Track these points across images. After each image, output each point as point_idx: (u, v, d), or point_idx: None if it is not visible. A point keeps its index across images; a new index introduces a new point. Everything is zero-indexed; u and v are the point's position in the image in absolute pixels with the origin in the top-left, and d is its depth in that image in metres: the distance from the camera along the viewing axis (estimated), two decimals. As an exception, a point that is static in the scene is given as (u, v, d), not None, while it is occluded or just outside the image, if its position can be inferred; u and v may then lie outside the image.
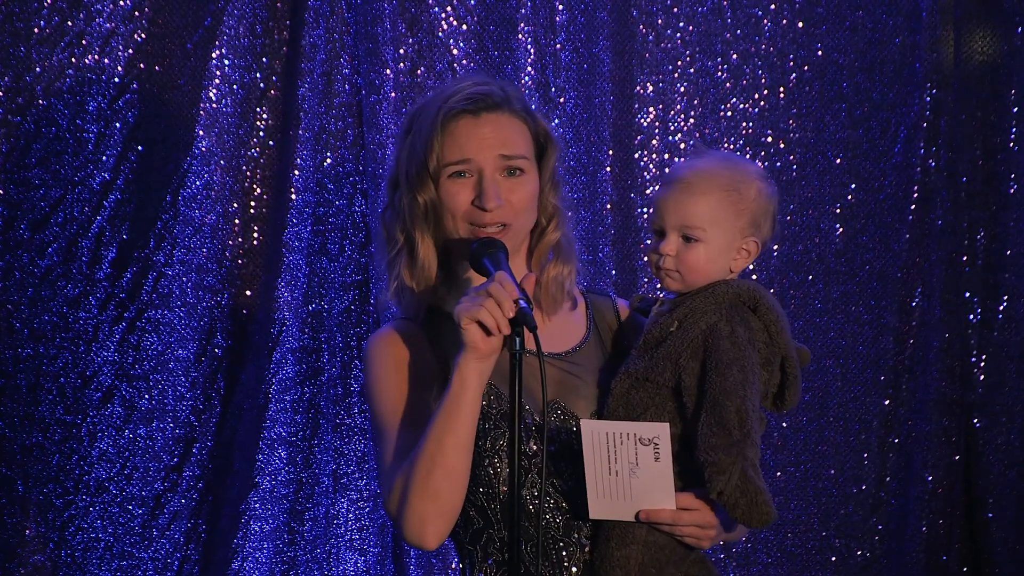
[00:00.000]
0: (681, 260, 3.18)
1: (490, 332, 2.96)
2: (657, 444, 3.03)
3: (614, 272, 4.81)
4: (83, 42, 4.48)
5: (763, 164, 4.92)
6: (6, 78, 4.43)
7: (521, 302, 2.95)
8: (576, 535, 3.17)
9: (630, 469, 3.05)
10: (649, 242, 3.27)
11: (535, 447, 3.16)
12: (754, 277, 4.93)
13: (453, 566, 4.65)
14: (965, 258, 5.03)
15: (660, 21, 4.85)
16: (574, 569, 3.16)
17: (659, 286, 3.28)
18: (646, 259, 3.46)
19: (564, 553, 3.16)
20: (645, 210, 4.82)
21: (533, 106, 4.73)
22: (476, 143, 3.17)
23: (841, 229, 4.98)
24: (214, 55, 4.58)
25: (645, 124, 4.86)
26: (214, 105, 4.58)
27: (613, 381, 3.17)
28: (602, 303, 3.40)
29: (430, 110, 3.20)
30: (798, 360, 3.20)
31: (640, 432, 3.04)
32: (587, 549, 3.17)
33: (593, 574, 3.15)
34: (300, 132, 4.60)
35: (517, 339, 2.94)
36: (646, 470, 3.04)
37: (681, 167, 3.26)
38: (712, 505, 3.10)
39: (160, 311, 4.53)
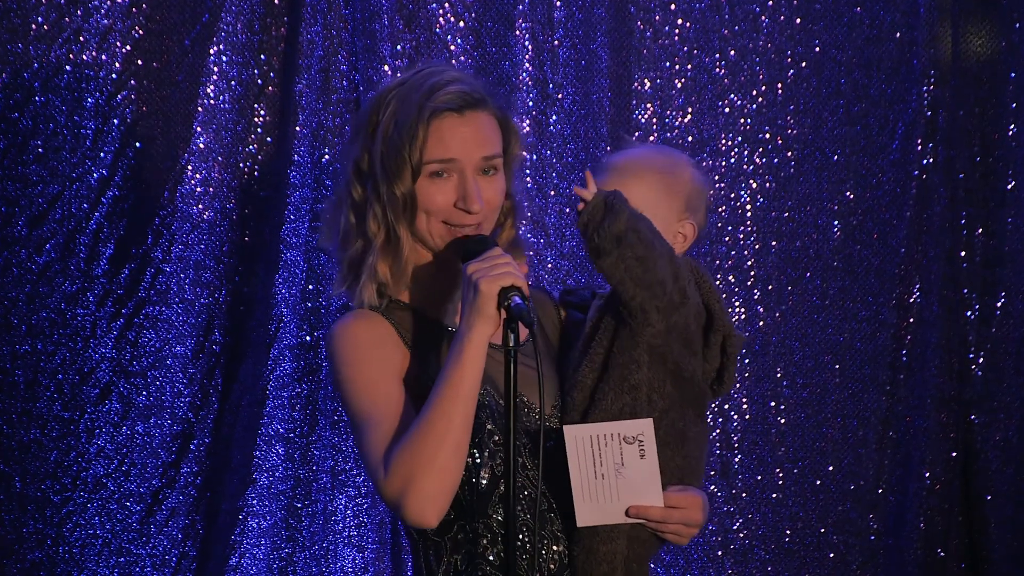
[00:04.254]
0: None
1: (506, 301, 2.95)
2: (642, 441, 3.02)
3: (612, 268, 4.81)
4: (81, 38, 4.48)
5: (760, 161, 4.93)
6: (4, 74, 4.44)
7: (516, 298, 2.95)
8: (550, 527, 3.15)
9: (616, 470, 3.04)
10: None
11: (499, 439, 3.14)
12: (752, 274, 4.94)
13: (451, 562, 4.65)
14: (963, 254, 5.03)
15: (658, 17, 4.86)
16: (552, 567, 3.14)
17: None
18: None
19: (540, 546, 3.14)
20: (643, 206, 4.81)
21: (531, 102, 4.77)
22: (460, 142, 3.16)
23: (839, 225, 4.98)
24: (212, 51, 4.58)
25: (643, 120, 4.86)
26: (212, 101, 4.58)
27: (578, 373, 3.16)
28: (541, 297, 3.40)
29: (410, 102, 3.16)
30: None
31: (624, 431, 3.03)
32: (563, 542, 3.15)
33: (572, 569, 3.14)
34: (298, 128, 4.60)
35: (512, 335, 2.93)
36: (632, 468, 3.03)
37: (614, 156, 3.28)
38: (698, 505, 3.12)
39: (158, 307, 4.54)
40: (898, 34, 4.98)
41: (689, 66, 4.89)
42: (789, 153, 4.95)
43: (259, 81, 4.63)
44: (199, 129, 4.57)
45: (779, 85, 4.94)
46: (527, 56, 4.74)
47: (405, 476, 2.99)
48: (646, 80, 4.87)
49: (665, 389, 3.13)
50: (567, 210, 4.80)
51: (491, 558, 3.11)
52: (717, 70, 4.90)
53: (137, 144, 4.54)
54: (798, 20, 4.93)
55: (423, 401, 3.06)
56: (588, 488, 3.05)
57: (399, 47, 4.66)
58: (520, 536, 3.10)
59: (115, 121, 4.51)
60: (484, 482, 3.11)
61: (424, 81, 3.18)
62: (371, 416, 3.09)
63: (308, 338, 4.64)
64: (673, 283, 3.08)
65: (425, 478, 2.98)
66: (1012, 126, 5.01)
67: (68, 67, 4.48)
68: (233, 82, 4.59)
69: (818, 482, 4.99)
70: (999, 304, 5.03)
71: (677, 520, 3.10)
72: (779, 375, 4.96)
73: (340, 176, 3.27)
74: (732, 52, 4.90)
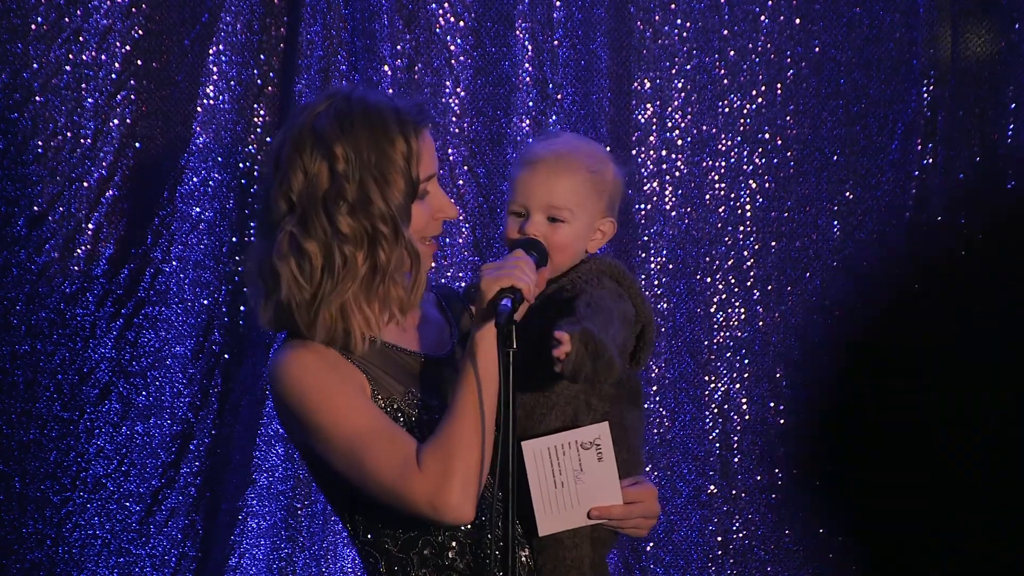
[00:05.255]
0: (549, 241, 3.19)
1: (498, 300, 2.94)
2: (599, 445, 3.03)
3: (612, 268, 4.81)
4: (80, 38, 4.48)
5: (760, 161, 4.93)
6: (3, 75, 4.44)
7: (505, 301, 2.94)
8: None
9: (575, 476, 3.05)
10: (506, 225, 3.25)
11: None
12: (752, 274, 4.94)
13: (450, 562, 4.65)
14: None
15: (657, 17, 4.85)
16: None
17: None
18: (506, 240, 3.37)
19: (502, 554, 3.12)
20: (642, 206, 4.81)
21: (531, 102, 4.77)
22: (434, 157, 3.18)
23: (839, 225, 4.98)
24: (211, 51, 4.58)
25: (642, 121, 4.86)
26: (211, 101, 4.59)
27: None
28: (448, 294, 3.39)
29: (382, 122, 3.10)
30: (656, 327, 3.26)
31: (580, 438, 3.04)
32: (526, 547, 3.14)
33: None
34: (297, 128, 4.60)
35: (511, 336, 2.93)
36: (591, 472, 3.04)
37: (539, 148, 3.27)
38: (654, 496, 3.15)
39: (157, 307, 4.54)
40: (897, 34, 4.97)
41: (688, 66, 4.89)
42: (789, 153, 4.95)
43: (259, 81, 4.63)
44: (199, 129, 4.58)
45: (779, 85, 4.94)
46: (527, 56, 4.74)
47: (443, 469, 2.97)
48: (646, 80, 4.87)
49: (603, 391, 3.14)
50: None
51: (462, 567, 3.10)
52: (717, 70, 4.90)
53: (136, 144, 4.54)
54: (798, 20, 4.93)
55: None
56: (548, 498, 3.05)
57: (399, 47, 4.66)
58: (486, 544, 3.11)
59: (115, 121, 4.52)
60: None
61: (369, 100, 3.12)
62: (366, 429, 3.05)
63: (308, 338, 4.63)
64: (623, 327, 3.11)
65: (467, 469, 2.97)
66: (1011, 126, 5.01)
67: (68, 67, 4.48)
68: (233, 82, 4.60)
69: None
70: (999, 304, 5.04)
71: (638, 515, 3.13)
72: (779, 375, 4.96)
73: (293, 218, 3.12)
74: (732, 52, 4.90)
